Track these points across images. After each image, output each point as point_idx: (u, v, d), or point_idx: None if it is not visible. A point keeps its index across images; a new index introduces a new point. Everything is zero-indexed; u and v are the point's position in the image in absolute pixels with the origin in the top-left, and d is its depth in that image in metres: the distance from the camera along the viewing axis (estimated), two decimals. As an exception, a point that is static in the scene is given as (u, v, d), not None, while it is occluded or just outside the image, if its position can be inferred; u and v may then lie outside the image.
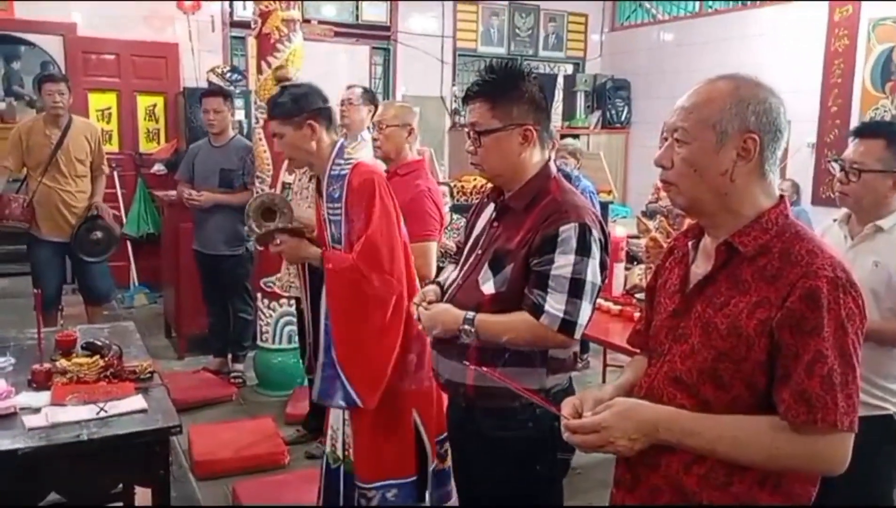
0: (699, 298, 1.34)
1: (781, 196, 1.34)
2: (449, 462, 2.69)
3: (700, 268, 1.39)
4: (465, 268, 1.96)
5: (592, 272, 1.79)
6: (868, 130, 2.29)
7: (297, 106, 2.39)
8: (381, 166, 3.47)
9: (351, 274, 2.33)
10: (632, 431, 1.28)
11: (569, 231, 1.77)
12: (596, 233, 1.81)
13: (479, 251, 1.94)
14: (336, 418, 2.57)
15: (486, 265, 1.88)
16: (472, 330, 1.81)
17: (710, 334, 1.29)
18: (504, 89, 1.86)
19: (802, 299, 1.20)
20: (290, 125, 2.39)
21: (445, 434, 2.67)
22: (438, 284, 2.08)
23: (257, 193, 4.19)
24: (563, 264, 1.76)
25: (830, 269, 1.22)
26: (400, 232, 2.43)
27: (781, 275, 1.24)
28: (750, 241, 1.29)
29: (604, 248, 1.86)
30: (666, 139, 1.37)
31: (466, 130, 1.92)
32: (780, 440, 1.22)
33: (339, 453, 2.55)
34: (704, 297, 1.33)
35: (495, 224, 1.95)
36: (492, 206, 2.00)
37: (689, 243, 1.45)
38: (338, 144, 2.45)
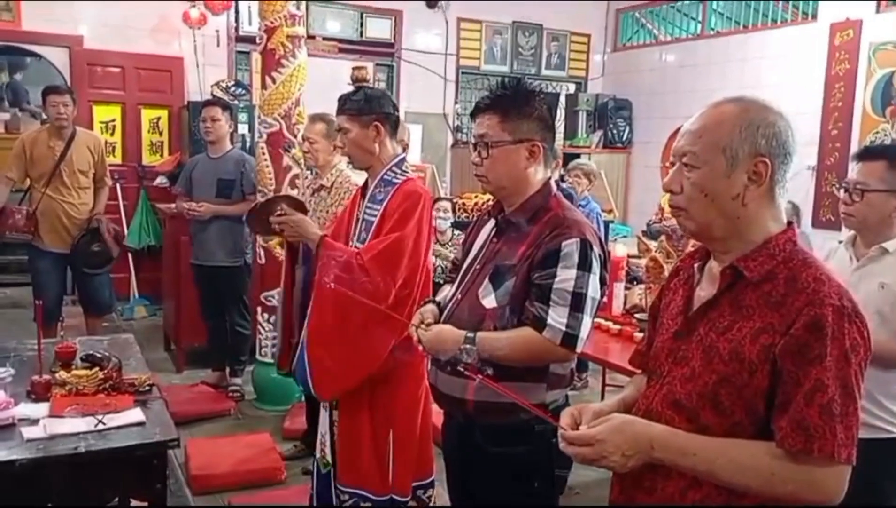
0: (702, 321, 1.33)
1: (790, 222, 1.33)
2: None
3: (704, 291, 1.38)
4: (464, 283, 1.97)
5: (593, 287, 1.81)
6: (869, 153, 2.34)
7: (369, 106, 2.45)
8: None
9: (347, 271, 2.32)
10: (625, 446, 1.26)
11: (571, 246, 1.79)
12: (596, 249, 1.84)
13: (478, 266, 1.94)
14: (324, 422, 2.58)
15: (486, 280, 1.88)
16: (474, 349, 1.80)
17: (712, 358, 1.28)
18: (515, 104, 1.88)
19: (807, 326, 1.18)
20: (358, 123, 2.44)
21: (430, 480, 2.65)
22: (436, 303, 2.07)
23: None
24: (565, 278, 1.78)
25: (837, 298, 1.20)
26: (426, 258, 2.43)
27: (786, 302, 1.22)
28: (756, 266, 1.28)
29: (603, 264, 1.88)
30: (673, 164, 1.36)
31: (474, 141, 1.94)
32: (776, 467, 1.19)
33: (329, 458, 2.55)
34: (707, 320, 1.32)
35: (495, 240, 1.96)
36: (491, 222, 2.00)
37: (695, 266, 1.43)
38: (399, 156, 2.50)
